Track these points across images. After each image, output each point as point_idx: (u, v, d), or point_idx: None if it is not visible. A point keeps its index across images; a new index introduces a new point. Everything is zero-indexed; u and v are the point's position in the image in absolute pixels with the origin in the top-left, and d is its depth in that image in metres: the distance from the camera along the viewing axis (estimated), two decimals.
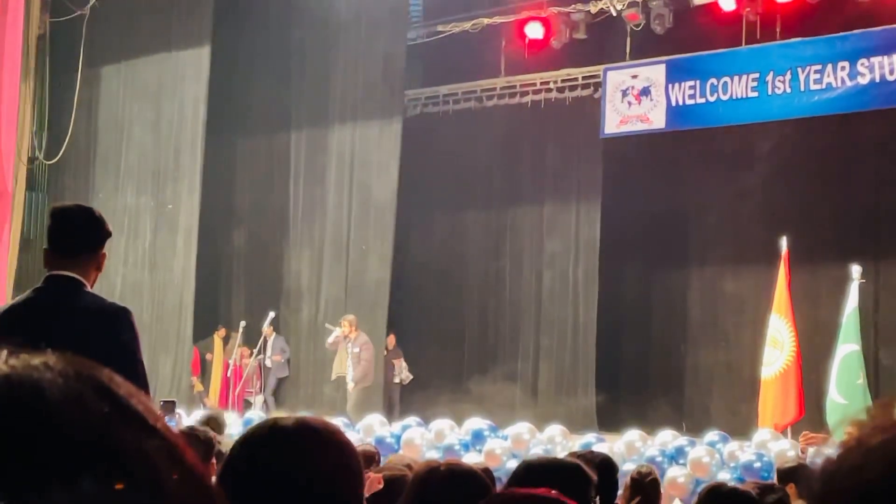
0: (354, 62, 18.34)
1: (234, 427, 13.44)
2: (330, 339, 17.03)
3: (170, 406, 8.19)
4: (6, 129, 18.03)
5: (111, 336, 3.90)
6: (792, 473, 6.39)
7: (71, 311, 3.96)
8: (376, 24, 17.93)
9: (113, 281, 17.40)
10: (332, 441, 2.09)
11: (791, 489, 5.79)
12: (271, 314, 17.52)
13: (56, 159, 18.72)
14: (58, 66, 18.80)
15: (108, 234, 4.18)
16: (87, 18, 18.28)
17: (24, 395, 0.73)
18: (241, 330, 17.43)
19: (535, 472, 3.03)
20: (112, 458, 0.72)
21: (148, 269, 18.31)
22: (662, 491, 7.49)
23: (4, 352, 0.79)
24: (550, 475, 2.91)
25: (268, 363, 17.79)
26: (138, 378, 3.84)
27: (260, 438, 2.08)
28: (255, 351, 17.32)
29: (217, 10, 17.96)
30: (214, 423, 7.51)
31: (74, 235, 4.07)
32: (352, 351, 16.67)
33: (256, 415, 14.56)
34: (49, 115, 18.85)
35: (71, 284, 4.03)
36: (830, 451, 0.96)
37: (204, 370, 18.41)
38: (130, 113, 18.83)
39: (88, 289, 4.09)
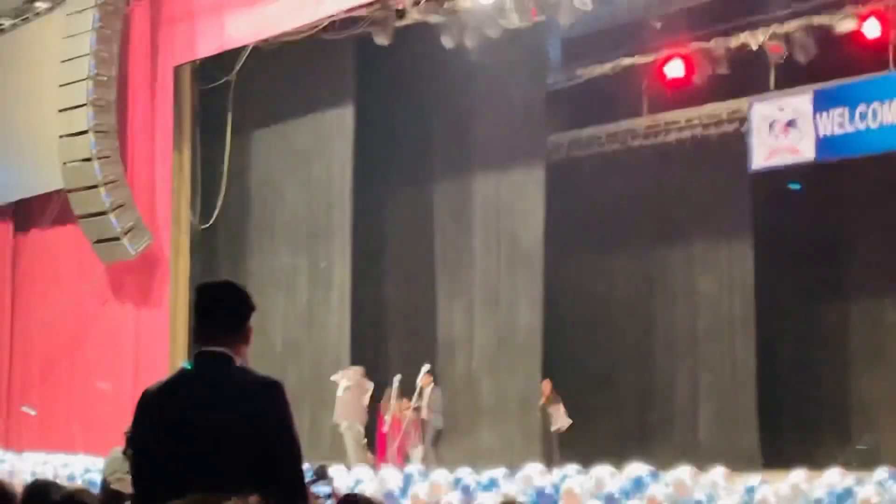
0: (495, 110, 18.36)
1: (394, 482, 13.44)
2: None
3: (322, 471, 8.21)
4: (161, 198, 18.54)
5: (267, 411, 3.95)
6: None
7: (223, 388, 4.02)
8: (515, 71, 17.93)
9: (273, 340, 17.67)
10: None
11: None
12: (426, 366, 17.57)
13: (209, 224, 19.16)
14: (207, 132, 19.28)
15: (253, 308, 4.24)
16: (234, 84, 18.74)
17: None
18: (395, 384, 17.50)
19: None
20: None
21: (306, 326, 18.55)
22: None
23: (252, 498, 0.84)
24: None
25: (424, 415, 17.81)
26: (296, 453, 3.90)
27: None
28: (412, 402, 17.37)
29: (359, 69, 18.24)
30: None
31: (220, 312, 4.14)
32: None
33: (416, 468, 14.52)
34: (201, 181, 19.30)
35: (220, 360, 4.10)
36: None
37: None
38: (281, 175, 19.19)
39: (238, 364, 4.15)
